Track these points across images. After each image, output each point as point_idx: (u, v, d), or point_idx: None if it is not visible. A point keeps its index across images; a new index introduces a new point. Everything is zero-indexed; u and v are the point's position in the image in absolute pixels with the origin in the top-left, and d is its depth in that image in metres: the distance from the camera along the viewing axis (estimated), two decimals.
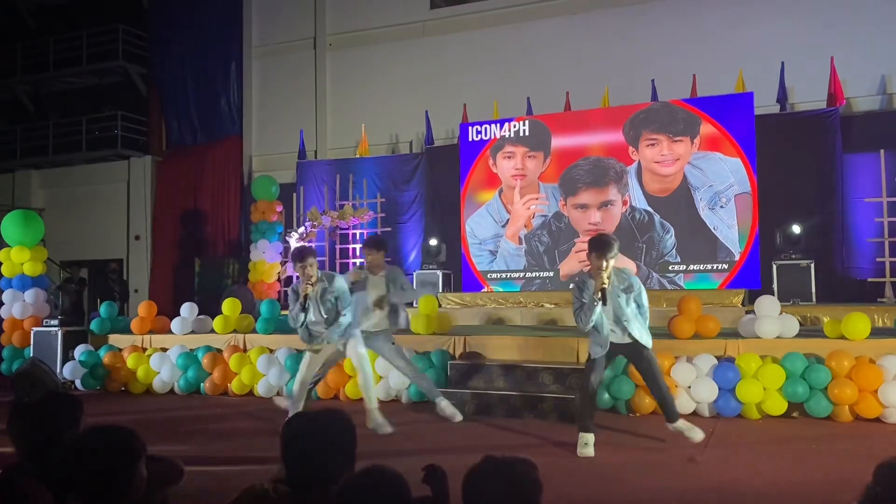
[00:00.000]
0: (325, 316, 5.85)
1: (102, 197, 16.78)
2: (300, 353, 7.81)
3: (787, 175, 10.30)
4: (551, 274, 11.14)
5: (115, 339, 9.05)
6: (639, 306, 5.16)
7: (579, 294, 5.21)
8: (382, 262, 6.25)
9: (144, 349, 8.77)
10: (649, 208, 10.63)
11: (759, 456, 5.00)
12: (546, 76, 12.51)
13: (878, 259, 9.85)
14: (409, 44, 14.08)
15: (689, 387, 6.27)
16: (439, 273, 11.38)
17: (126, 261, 16.32)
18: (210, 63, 15.68)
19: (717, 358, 6.38)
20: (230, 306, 8.61)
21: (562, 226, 11.14)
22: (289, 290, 6.12)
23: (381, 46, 14.33)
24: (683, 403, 6.29)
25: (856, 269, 10.26)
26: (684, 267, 10.39)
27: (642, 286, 5.24)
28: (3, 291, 9.81)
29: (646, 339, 5.17)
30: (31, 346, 9.15)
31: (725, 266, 10.15)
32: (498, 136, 11.62)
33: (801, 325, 6.78)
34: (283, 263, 12.79)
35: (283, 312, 8.65)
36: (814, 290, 9.15)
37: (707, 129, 10.35)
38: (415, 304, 8.76)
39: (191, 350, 8.44)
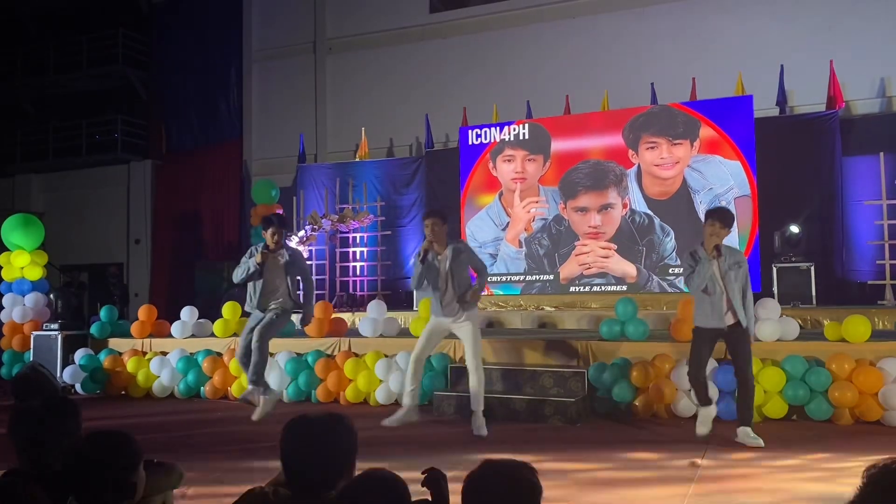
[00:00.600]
0: (457, 289, 5.89)
1: (102, 201, 16.79)
2: (300, 356, 7.83)
3: (787, 178, 10.31)
4: (551, 277, 11.14)
5: (116, 343, 9.05)
6: (744, 293, 5.36)
7: (691, 261, 5.46)
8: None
9: (144, 353, 8.77)
10: (649, 211, 10.63)
11: (760, 458, 5.00)
12: (546, 79, 12.52)
13: (878, 262, 9.85)
14: (408, 47, 14.10)
15: (690, 390, 6.25)
16: None
17: (126, 265, 16.32)
18: (210, 67, 15.71)
19: (718, 361, 6.37)
20: (230, 310, 8.61)
21: (562, 229, 11.14)
22: (414, 257, 6.17)
23: (380, 50, 14.35)
24: (684, 406, 6.29)
25: (856, 272, 10.26)
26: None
27: (748, 273, 5.49)
28: (2, 295, 9.81)
29: (749, 323, 5.37)
30: (31, 351, 9.15)
31: None
32: (498, 140, 11.63)
33: (801, 327, 6.78)
34: None
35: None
36: (814, 292, 9.15)
37: (707, 132, 10.36)
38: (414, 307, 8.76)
39: (191, 354, 8.43)
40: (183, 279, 14.74)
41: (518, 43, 13.15)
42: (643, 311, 7.47)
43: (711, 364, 6.30)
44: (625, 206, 10.75)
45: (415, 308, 10.07)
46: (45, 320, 9.52)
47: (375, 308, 8.24)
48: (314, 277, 13.19)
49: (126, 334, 9.15)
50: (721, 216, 5.45)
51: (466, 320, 5.93)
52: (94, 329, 9.18)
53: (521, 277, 11.31)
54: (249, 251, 6.76)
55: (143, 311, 9.16)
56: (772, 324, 6.50)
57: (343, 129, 14.47)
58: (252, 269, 6.54)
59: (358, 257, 13.19)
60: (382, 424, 5.93)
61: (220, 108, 15.68)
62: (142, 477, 2.20)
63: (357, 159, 13.70)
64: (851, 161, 10.38)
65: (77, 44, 17.21)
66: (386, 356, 7.51)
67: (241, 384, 7.95)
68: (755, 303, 6.86)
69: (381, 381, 7.37)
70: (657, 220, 10.57)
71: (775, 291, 9.18)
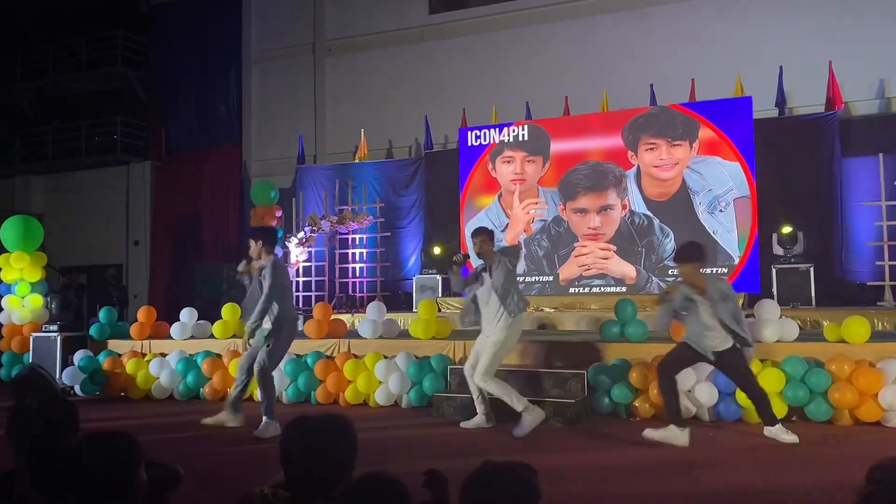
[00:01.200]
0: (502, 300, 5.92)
1: (102, 202, 16.78)
2: (299, 357, 7.82)
3: (786, 179, 10.32)
4: (551, 278, 11.14)
5: (115, 345, 9.03)
6: (736, 318, 5.40)
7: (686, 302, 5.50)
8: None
9: (144, 354, 8.76)
10: (648, 212, 10.64)
11: (760, 460, 5.00)
12: (545, 81, 12.52)
13: (877, 262, 9.86)
14: (407, 49, 14.11)
15: (690, 391, 6.26)
16: (438, 278, 11.37)
17: (125, 266, 16.31)
18: (209, 69, 15.71)
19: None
20: (230, 311, 8.61)
21: (561, 230, 11.14)
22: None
23: (379, 51, 14.35)
24: (684, 407, 6.28)
25: (855, 273, 10.26)
26: None
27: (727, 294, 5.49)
28: (2, 297, 9.80)
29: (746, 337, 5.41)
30: (31, 352, 9.13)
31: (725, 270, 10.14)
32: (497, 141, 11.63)
33: (800, 328, 6.79)
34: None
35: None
36: (813, 293, 9.15)
37: (706, 133, 10.37)
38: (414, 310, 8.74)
39: (190, 355, 8.42)
40: (182, 280, 14.73)
41: (517, 44, 13.15)
42: (642, 313, 7.47)
43: (711, 366, 6.30)
44: (624, 207, 10.76)
45: (414, 309, 10.07)
46: (44, 322, 9.51)
47: (375, 309, 8.23)
48: (313, 279, 13.25)
49: (125, 336, 9.13)
50: (676, 258, 5.73)
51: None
52: (93, 330, 9.17)
53: (521, 279, 11.30)
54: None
55: (143, 313, 9.14)
56: (771, 325, 6.50)
57: (342, 130, 14.47)
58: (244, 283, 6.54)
59: (357, 259, 13.19)
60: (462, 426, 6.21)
61: (220, 109, 15.68)
62: (142, 478, 2.20)
63: (356, 160, 13.71)
64: (850, 162, 10.39)
65: (76, 45, 17.21)
66: (385, 357, 7.50)
67: None
68: (755, 304, 6.89)
69: (380, 382, 7.36)
70: (656, 222, 10.58)
71: (775, 292, 9.18)
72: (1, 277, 9.94)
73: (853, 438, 5.53)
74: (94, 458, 2.13)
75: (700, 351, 5.42)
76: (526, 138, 11.47)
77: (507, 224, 11.48)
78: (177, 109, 16.16)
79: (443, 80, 13.57)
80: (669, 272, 10.38)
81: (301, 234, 12.37)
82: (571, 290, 10.88)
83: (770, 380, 6.01)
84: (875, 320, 7.69)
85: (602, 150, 11.01)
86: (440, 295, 11.05)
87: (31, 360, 8.94)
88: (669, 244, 10.47)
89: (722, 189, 10.25)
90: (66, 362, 8.88)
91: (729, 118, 10.29)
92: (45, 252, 10.39)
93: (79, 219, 16.83)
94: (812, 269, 9.23)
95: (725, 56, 11.34)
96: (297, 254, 12.49)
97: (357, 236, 13.04)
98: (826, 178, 10.33)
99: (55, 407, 2.68)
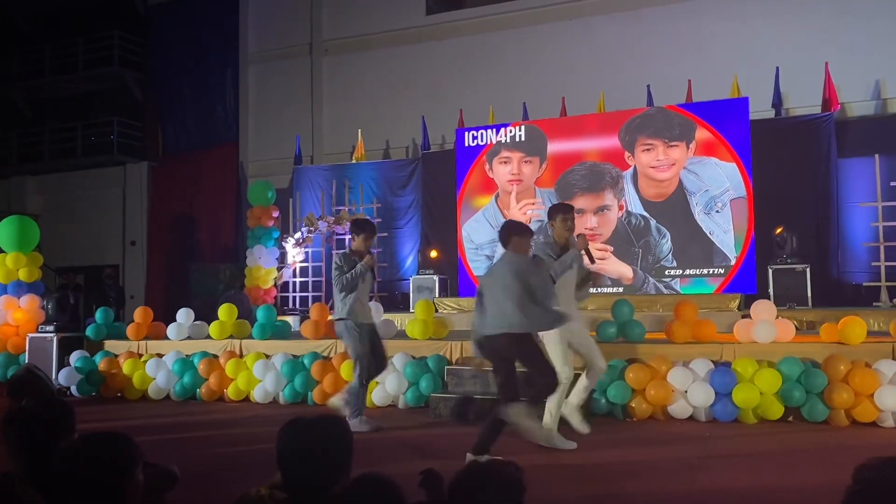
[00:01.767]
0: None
1: (98, 203, 16.76)
2: (296, 358, 7.82)
3: (783, 180, 10.33)
4: None
5: (111, 345, 9.02)
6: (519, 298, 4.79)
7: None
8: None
9: (140, 355, 8.74)
10: (645, 213, 10.65)
11: (756, 460, 5.01)
12: (542, 81, 12.53)
13: (873, 263, 9.87)
14: (405, 49, 14.11)
15: (686, 391, 6.27)
16: (436, 278, 11.37)
17: (122, 266, 16.28)
18: (206, 69, 15.70)
19: (714, 362, 6.38)
20: (226, 312, 8.60)
21: None
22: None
23: (377, 52, 14.35)
24: (680, 408, 6.30)
25: (851, 274, 10.29)
26: (680, 272, 10.40)
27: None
28: None
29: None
30: (27, 353, 9.12)
31: (721, 271, 10.16)
32: (494, 142, 11.64)
33: (797, 329, 6.79)
34: (280, 269, 12.79)
35: (278, 316, 8.62)
36: (809, 294, 9.17)
37: (702, 134, 10.38)
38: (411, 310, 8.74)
39: (187, 356, 8.42)
40: (179, 281, 14.70)
41: (514, 45, 13.16)
42: (639, 313, 7.48)
43: (707, 366, 6.31)
44: (621, 207, 10.77)
45: (411, 310, 10.07)
46: (40, 322, 9.49)
47: (372, 310, 8.21)
48: (310, 279, 13.24)
49: (122, 336, 9.12)
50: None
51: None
52: (89, 331, 9.16)
53: None
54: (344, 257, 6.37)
55: (139, 313, 9.13)
56: (768, 325, 6.52)
57: (339, 130, 14.47)
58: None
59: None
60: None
61: (217, 109, 15.67)
62: (139, 479, 2.20)
63: (353, 161, 13.70)
64: (847, 163, 10.41)
65: (73, 45, 17.20)
66: None
67: (237, 386, 7.94)
68: (752, 304, 6.89)
69: (377, 382, 7.35)
70: (653, 222, 10.59)
71: (771, 293, 9.19)
72: None
73: (849, 439, 5.54)
74: (91, 460, 2.12)
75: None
76: (523, 139, 11.48)
77: None
78: (174, 110, 16.14)
79: (440, 80, 13.57)
80: (666, 272, 10.40)
81: (298, 235, 12.37)
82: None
83: (766, 380, 6.02)
84: (871, 321, 7.71)
85: (599, 151, 11.03)
86: (437, 295, 11.06)
87: (27, 361, 8.92)
88: (666, 245, 10.48)
89: (718, 190, 10.26)
90: (62, 363, 8.86)
91: (725, 119, 10.31)
92: (42, 253, 10.38)
93: (75, 219, 16.80)
94: (808, 270, 9.24)
95: (722, 57, 11.36)
96: (294, 254, 12.48)
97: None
98: (822, 178, 10.35)
99: (51, 408, 2.67)
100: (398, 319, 9.10)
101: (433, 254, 11.54)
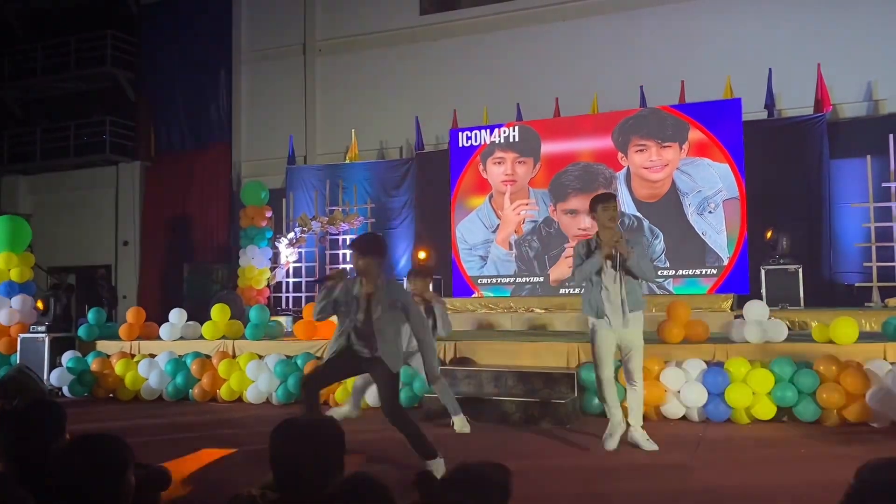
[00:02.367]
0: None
1: (91, 202, 16.70)
2: (289, 358, 7.80)
3: (775, 180, 10.37)
4: (541, 279, 11.16)
5: (104, 346, 8.99)
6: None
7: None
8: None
9: (133, 355, 8.71)
10: (638, 214, 10.67)
11: (748, 460, 5.02)
12: (535, 82, 12.55)
13: (865, 264, 9.92)
14: (398, 50, 14.11)
15: (679, 391, 6.28)
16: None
17: (114, 266, 16.23)
18: (199, 68, 15.65)
19: (706, 363, 6.40)
20: (219, 312, 8.58)
21: (552, 231, 11.17)
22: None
23: (370, 52, 14.34)
24: (673, 408, 6.31)
25: (843, 274, 10.33)
26: (673, 272, 10.43)
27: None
28: None
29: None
30: (18, 353, 9.07)
31: (714, 271, 10.19)
32: (488, 142, 11.65)
33: (789, 329, 6.81)
34: (273, 269, 12.76)
35: (271, 317, 8.60)
36: (802, 294, 9.20)
37: (695, 135, 10.41)
38: None
39: (179, 356, 8.39)
40: (172, 281, 14.67)
41: (508, 45, 13.17)
42: None
43: (700, 366, 6.33)
44: None
45: None
46: (31, 323, 9.45)
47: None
48: (304, 279, 13.22)
49: (114, 336, 9.09)
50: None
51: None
52: (81, 331, 9.12)
53: (511, 279, 11.33)
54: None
55: (132, 314, 9.10)
56: (760, 326, 6.54)
57: (333, 130, 14.45)
58: None
59: (348, 259, 13.16)
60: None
61: (210, 109, 15.63)
62: (131, 481, 2.19)
63: (347, 161, 13.69)
64: (839, 164, 10.46)
65: (65, 45, 17.11)
66: None
67: (230, 387, 7.92)
68: (744, 305, 6.91)
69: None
70: (646, 223, 10.61)
71: (763, 293, 9.22)
72: None
73: (840, 438, 5.56)
74: (83, 461, 2.11)
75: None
76: (517, 139, 11.49)
77: (498, 225, 11.49)
78: (166, 109, 16.10)
79: (434, 81, 13.57)
80: (659, 273, 10.41)
81: (291, 235, 12.35)
82: (562, 290, 10.90)
83: (758, 380, 6.04)
84: (863, 321, 7.73)
85: (592, 152, 11.05)
86: None
87: (18, 361, 8.88)
88: (659, 245, 10.51)
89: (711, 190, 10.29)
90: (53, 363, 8.83)
91: (718, 120, 10.34)
92: (34, 253, 10.33)
93: (67, 219, 16.75)
94: (801, 271, 9.28)
95: (715, 58, 11.40)
96: (288, 255, 12.46)
97: (348, 237, 13.01)
98: (814, 179, 10.40)
99: (42, 408, 2.66)
100: None
101: (421, 255, 11.53)
